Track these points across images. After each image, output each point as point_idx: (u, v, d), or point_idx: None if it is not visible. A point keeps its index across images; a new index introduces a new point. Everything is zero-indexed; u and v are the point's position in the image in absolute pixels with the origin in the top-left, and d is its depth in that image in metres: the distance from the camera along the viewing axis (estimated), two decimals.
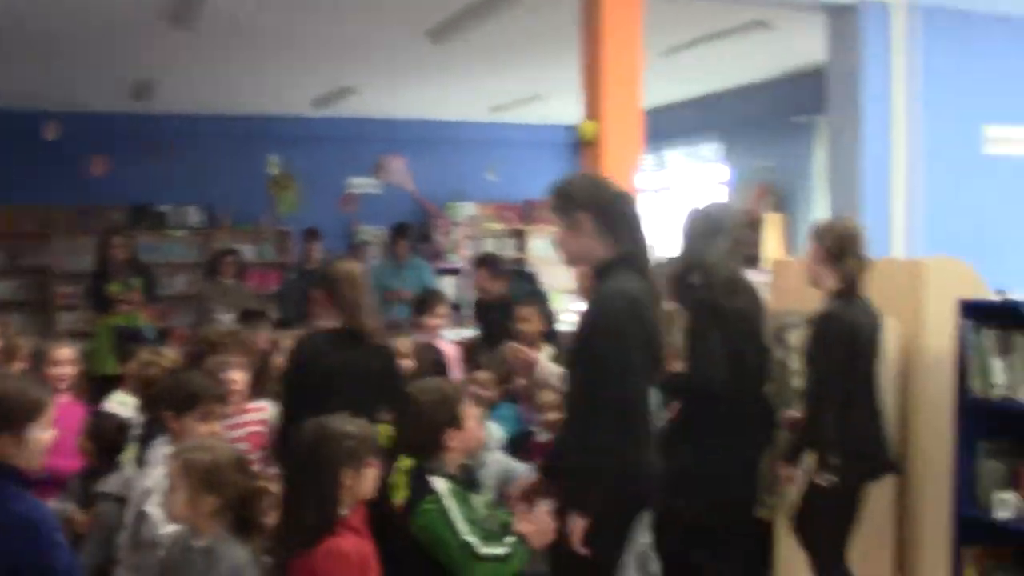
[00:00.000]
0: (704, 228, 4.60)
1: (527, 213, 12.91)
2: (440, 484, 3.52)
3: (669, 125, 11.13)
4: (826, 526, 4.65)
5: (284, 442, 4.12)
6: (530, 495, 4.39)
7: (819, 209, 9.61)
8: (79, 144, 11.10)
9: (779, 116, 10.17)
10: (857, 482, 4.62)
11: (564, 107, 11.50)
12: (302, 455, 3.23)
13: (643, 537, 5.06)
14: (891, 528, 5.31)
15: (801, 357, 4.70)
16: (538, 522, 3.53)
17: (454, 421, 3.65)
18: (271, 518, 3.31)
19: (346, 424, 3.29)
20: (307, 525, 3.13)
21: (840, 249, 4.60)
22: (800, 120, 9.86)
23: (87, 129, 11.08)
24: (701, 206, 4.89)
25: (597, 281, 3.73)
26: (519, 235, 12.85)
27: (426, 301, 6.75)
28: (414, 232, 10.62)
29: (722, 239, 4.58)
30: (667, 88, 10.32)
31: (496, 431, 5.15)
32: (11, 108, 10.55)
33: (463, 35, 8.01)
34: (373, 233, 12.19)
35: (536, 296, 7.77)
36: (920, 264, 5.38)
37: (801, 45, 8.56)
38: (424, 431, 3.63)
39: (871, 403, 4.66)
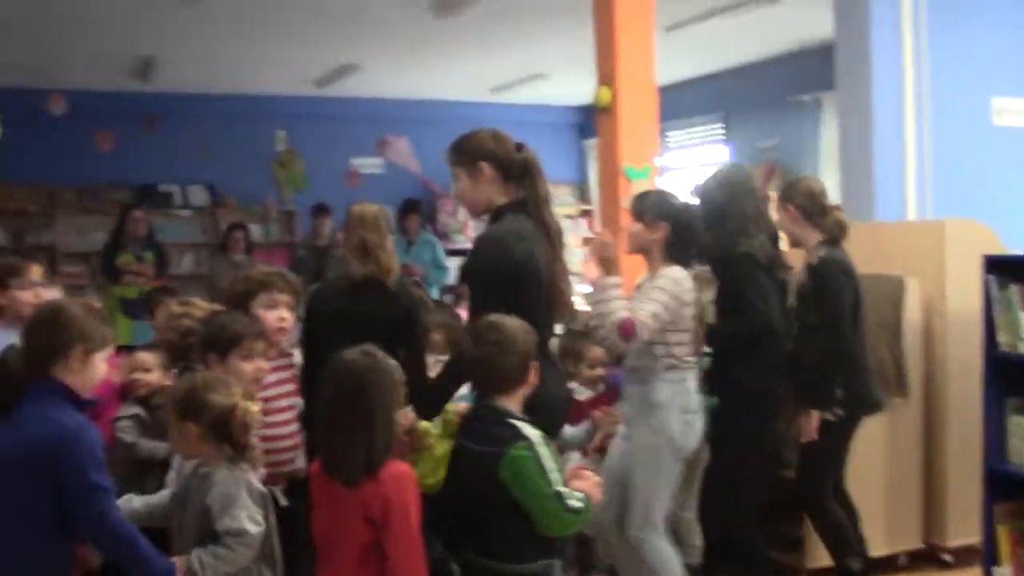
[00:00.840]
0: (738, 185, 4.66)
1: None
2: (530, 430, 3.39)
3: (671, 104, 11.09)
4: (825, 459, 4.75)
5: (308, 385, 4.16)
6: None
7: (827, 188, 9.63)
8: (84, 123, 11.08)
9: (782, 94, 10.19)
10: (858, 416, 4.75)
11: (568, 87, 11.56)
12: (352, 386, 3.22)
13: (687, 511, 5.11)
14: (920, 487, 5.38)
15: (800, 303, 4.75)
16: (591, 480, 3.53)
17: (533, 357, 3.53)
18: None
19: (388, 357, 3.32)
20: (372, 451, 3.16)
21: (814, 204, 4.75)
22: (804, 98, 9.90)
23: (92, 107, 11.04)
24: (725, 167, 4.95)
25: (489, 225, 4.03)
26: None
27: None
28: (422, 209, 10.63)
29: (753, 198, 4.68)
30: (670, 66, 10.31)
31: None
32: (16, 85, 10.52)
33: (466, 9, 8.01)
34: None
35: None
36: (940, 224, 5.45)
37: (806, 21, 8.57)
38: (509, 367, 3.46)
39: (864, 343, 4.79)
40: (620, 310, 4.21)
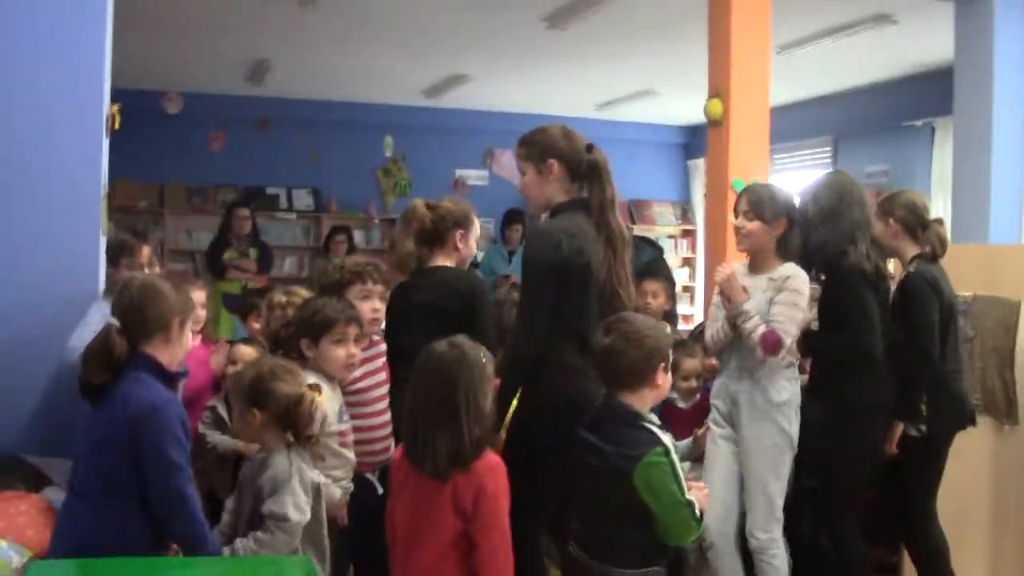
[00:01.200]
0: (847, 190, 4.53)
1: (635, 212, 12.87)
2: (664, 436, 3.33)
3: (779, 126, 10.95)
4: (918, 480, 4.65)
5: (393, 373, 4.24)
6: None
7: (937, 214, 9.43)
8: (196, 124, 11.30)
9: (894, 119, 10.03)
10: (948, 433, 4.64)
11: (675, 105, 11.51)
12: (438, 379, 3.22)
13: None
14: None
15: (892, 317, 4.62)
16: (702, 491, 3.46)
17: (664, 359, 3.44)
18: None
19: (476, 347, 3.31)
20: (461, 444, 3.15)
21: (915, 217, 4.69)
22: (916, 123, 9.71)
23: (204, 110, 11.27)
24: (832, 172, 4.85)
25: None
26: (658, 248, 12.74)
27: None
28: (526, 221, 10.61)
29: (862, 205, 4.54)
30: (780, 88, 10.17)
31: None
32: (131, 87, 10.74)
33: (580, 21, 8.00)
34: (480, 225, 12.20)
35: (661, 264, 7.57)
36: None
37: (919, 44, 8.45)
38: (634, 362, 3.37)
39: (956, 359, 4.70)
40: (759, 326, 4.23)
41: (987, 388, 5.01)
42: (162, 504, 3.13)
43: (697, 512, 3.27)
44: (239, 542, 3.30)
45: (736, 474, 4.40)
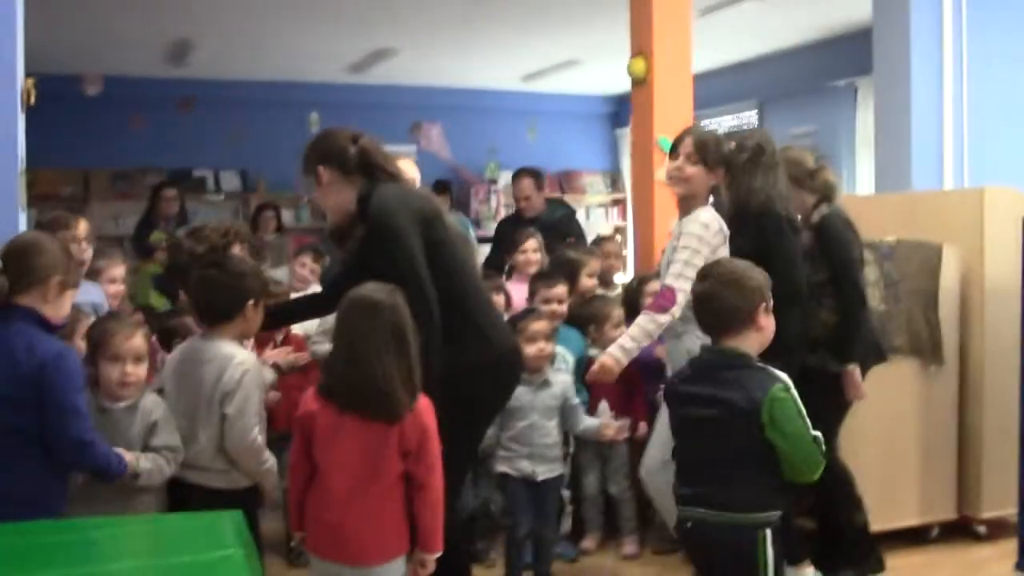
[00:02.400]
0: (770, 148, 4.52)
1: (565, 183, 12.90)
2: (781, 374, 3.27)
3: (705, 91, 11.04)
4: (830, 411, 4.56)
5: None
6: None
7: (861, 173, 9.57)
8: (118, 107, 11.08)
9: (818, 80, 10.12)
10: (864, 370, 4.66)
11: (601, 75, 11.53)
12: (380, 325, 3.24)
13: None
14: (954, 458, 5.31)
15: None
16: None
17: (765, 299, 3.37)
18: None
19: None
20: (414, 385, 3.24)
21: (799, 170, 4.68)
22: (839, 83, 9.82)
23: (125, 92, 11.08)
24: (752, 134, 4.86)
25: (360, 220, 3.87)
26: (568, 207, 12.77)
27: None
28: (453, 192, 10.62)
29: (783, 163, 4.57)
30: (704, 53, 10.24)
31: (563, 352, 5.14)
32: (51, 71, 10.55)
33: None
34: None
35: (572, 222, 7.70)
36: (980, 192, 5.37)
37: (839, 5, 8.52)
38: (733, 303, 3.31)
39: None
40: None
41: (912, 330, 5.09)
42: (70, 452, 3.18)
43: (823, 447, 3.26)
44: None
45: None
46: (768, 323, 3.34)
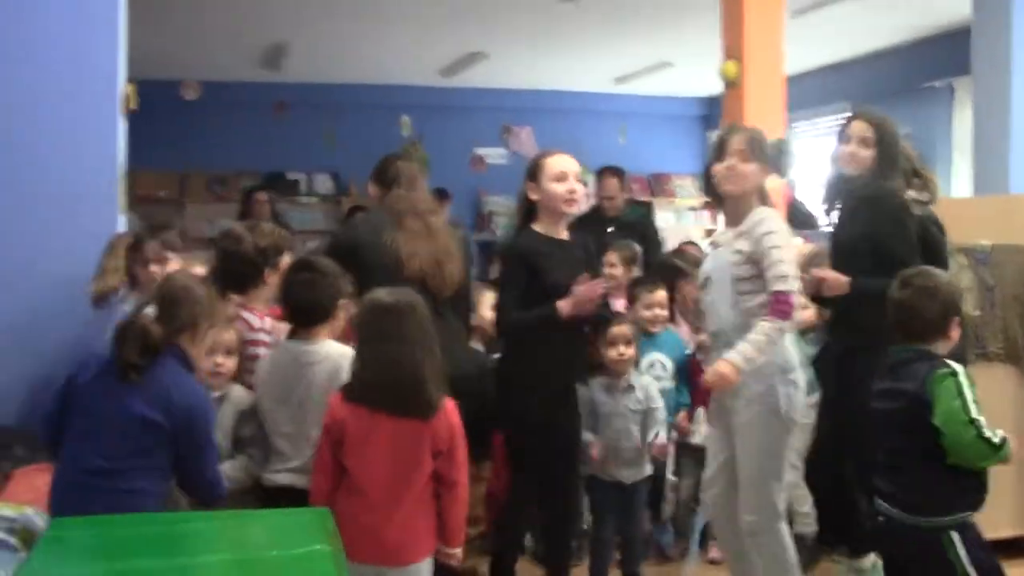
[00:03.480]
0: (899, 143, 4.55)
1: (655, 185, 12.85)
2: (954, 363, 3.48)
3: (796, 94, 10.92)
4: None
5: None
6: None
7: (957, 176, 9.39)
8: (214, 111, 11.33)
9: (913, 81, 9.93)
10: None
11: (693, 77, 11.46)
12: (412, 325, 3.37)
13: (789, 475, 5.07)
14: None
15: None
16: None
17: (957, 313, 3.62)
18: None
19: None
20: (438, 385, 3.36)
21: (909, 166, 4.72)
22: (936, 84, 9.64)
23: (222, 97, 11.31)
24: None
25: None
26: (646, 207, 12.77)
27: None
28: None
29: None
30: (795, 55, 10.12)
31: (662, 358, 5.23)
32: (149, 76, 10.79)
33: None
34: (500, 203, 12.24)
35: (646, 221, 7.68)
36: None
37: (933, 4, 8.37)
38: (932, 314, 3.56)
39: None
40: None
41: (1008, 336, 5.01)
42: (205, 486, 3.37)
43: (986, 432, 3.37)
44: None
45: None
46: (956, 334, 3.57)
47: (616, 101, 12.74)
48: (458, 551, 3.48)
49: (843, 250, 4.44)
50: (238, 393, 3.84)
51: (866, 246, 4.35)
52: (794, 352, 4.09)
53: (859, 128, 4.41)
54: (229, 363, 3.82)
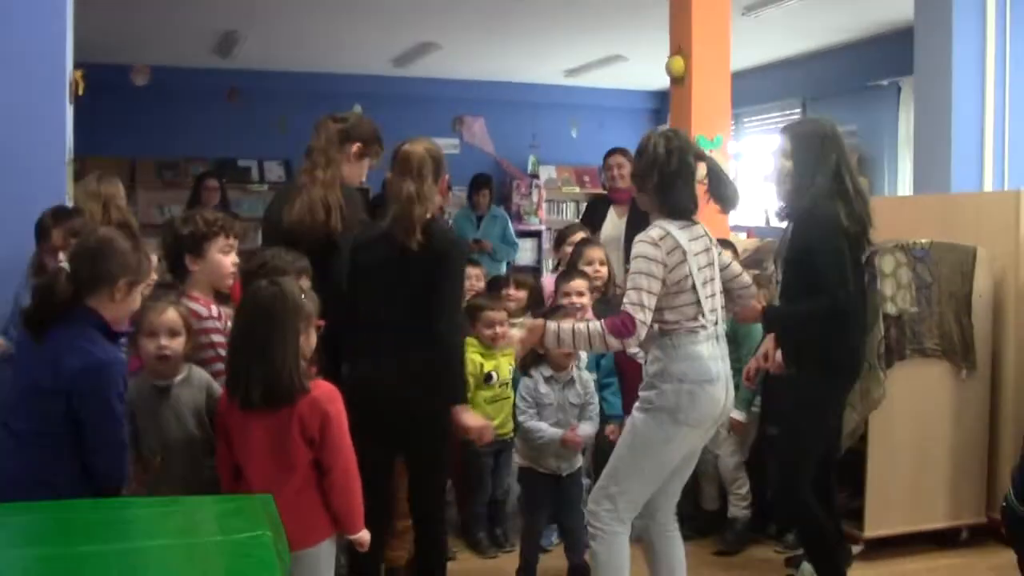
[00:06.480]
0: (820, 146, 4.35)
1: None
2: None
3: (748, 89, 11.07)
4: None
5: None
6: None
7: (903, 173, 9.54)
8: (165, 98, 11.27)
9: (861, 79, 10.08)
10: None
11: (646, 71, 11.52)
12: (260, 312, 3.37)
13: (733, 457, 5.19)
14: (984, 461, 5.31)
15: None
16: None
17: None
18: None
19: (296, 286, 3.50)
20: (285, 377, 3.30)
21: None
22: (883, 83, 9.78)
23: (172, 83, 11.25)
24: (808, 120, 4.82)
25: None
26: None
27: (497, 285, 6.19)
28: (494, 187, 10.66)
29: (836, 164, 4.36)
30: (746, 51, 10.22)
31: None
32: (98, 61, 10.71)
33: None
34: (452, 194, 12.26)
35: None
36: (1017, 194, 5.35)
37: (882, 4, 8.49)
38: None
39: None
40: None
41: (944, 332, 5.09)
42: (105, 453, 3.19)
43: None
44: None
45: None
46: None
47: (568, 93, 12.81)
48: (360, 535, 3.45)
49: (786, 268, 4.41)
50: (199, 374, 3.65)
51: (799, 265, 4.32)
52: (708, 366, 3.87)
53: (780, 141, 4.45)
54: (174, 344, 3.55)
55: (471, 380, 4.80)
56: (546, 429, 4.65)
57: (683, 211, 3.90)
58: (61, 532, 2.66)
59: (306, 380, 3.33)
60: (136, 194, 11.41)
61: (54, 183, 5.02)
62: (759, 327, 4.76)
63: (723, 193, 4.01)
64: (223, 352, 3.73)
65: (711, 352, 3.85)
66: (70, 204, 5.14)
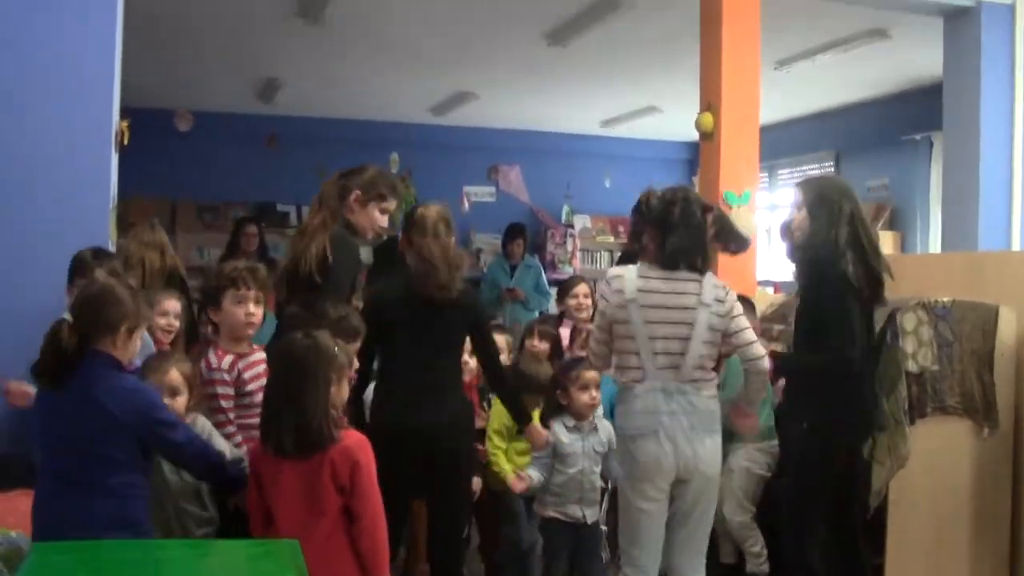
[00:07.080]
0: (836, 200, 4.49)
1: None
2: None
3: (781, 141, 11.18)
4: None
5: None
6: None
7: (935, 227, 9.57)
8: (206, 142, 11.49)
9: (894, 133, 10.15)
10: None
11: (680, 121, 11.63)
12: (294, 361, 3.49)
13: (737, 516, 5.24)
14: (1007, 522, 5.28)
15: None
16: None
17: None
18: None
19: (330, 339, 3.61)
20: (315, 425, 3.39)
21: None
22: (916, 137, 9.84)
23: (213, 127, 11.47)
24: (824, 176, 4.92)
25: None
26: None
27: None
28: (528, 236, 10.77)
29: (850, 220, 4.47)
30: (780, 103, 10.34)
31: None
32: (142, 106, 10.94)
33: (580, 37, 8.18)
34: (487, 241, 12.38)
35: None
36: None
37: (916, 58, 8.57)
38: None
39: None
40: None
41: (966, 390, 5.12)
42: (198, 462, 3.52)
43: None
44: None
45: None
46: None
47: (603, 143, 12.93)
48: None
49: (796, 322, 4.54)
50: (203, 424, 3.86)
51: (808, 320, 4.45)
52: (642, 421, 4.08)
53: (795, 194, 4.58)
54: (176, 404, 3.72)
55: (504, 432, 4.97)
56: (533, 474, 4.77)
57: (670, 260, 4.08)
58: (96, 571, 2.78)
59: (336, 429, 3.42)
60: (176, 236, 11.60)
61: (98, 229, 5.15)
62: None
63: (728, 240, 4.19)
64: (224, 404, 3.99)
65: (651, 406, 4.02)
66: (112, 249, 5.28)
